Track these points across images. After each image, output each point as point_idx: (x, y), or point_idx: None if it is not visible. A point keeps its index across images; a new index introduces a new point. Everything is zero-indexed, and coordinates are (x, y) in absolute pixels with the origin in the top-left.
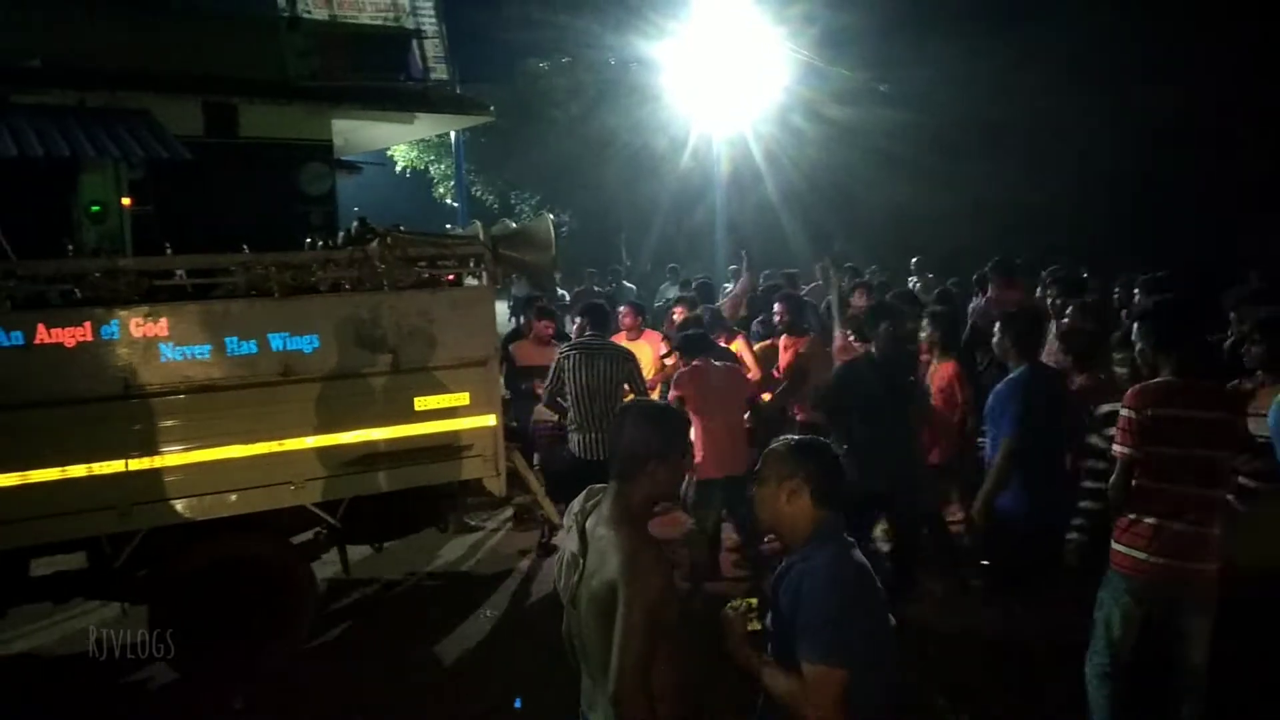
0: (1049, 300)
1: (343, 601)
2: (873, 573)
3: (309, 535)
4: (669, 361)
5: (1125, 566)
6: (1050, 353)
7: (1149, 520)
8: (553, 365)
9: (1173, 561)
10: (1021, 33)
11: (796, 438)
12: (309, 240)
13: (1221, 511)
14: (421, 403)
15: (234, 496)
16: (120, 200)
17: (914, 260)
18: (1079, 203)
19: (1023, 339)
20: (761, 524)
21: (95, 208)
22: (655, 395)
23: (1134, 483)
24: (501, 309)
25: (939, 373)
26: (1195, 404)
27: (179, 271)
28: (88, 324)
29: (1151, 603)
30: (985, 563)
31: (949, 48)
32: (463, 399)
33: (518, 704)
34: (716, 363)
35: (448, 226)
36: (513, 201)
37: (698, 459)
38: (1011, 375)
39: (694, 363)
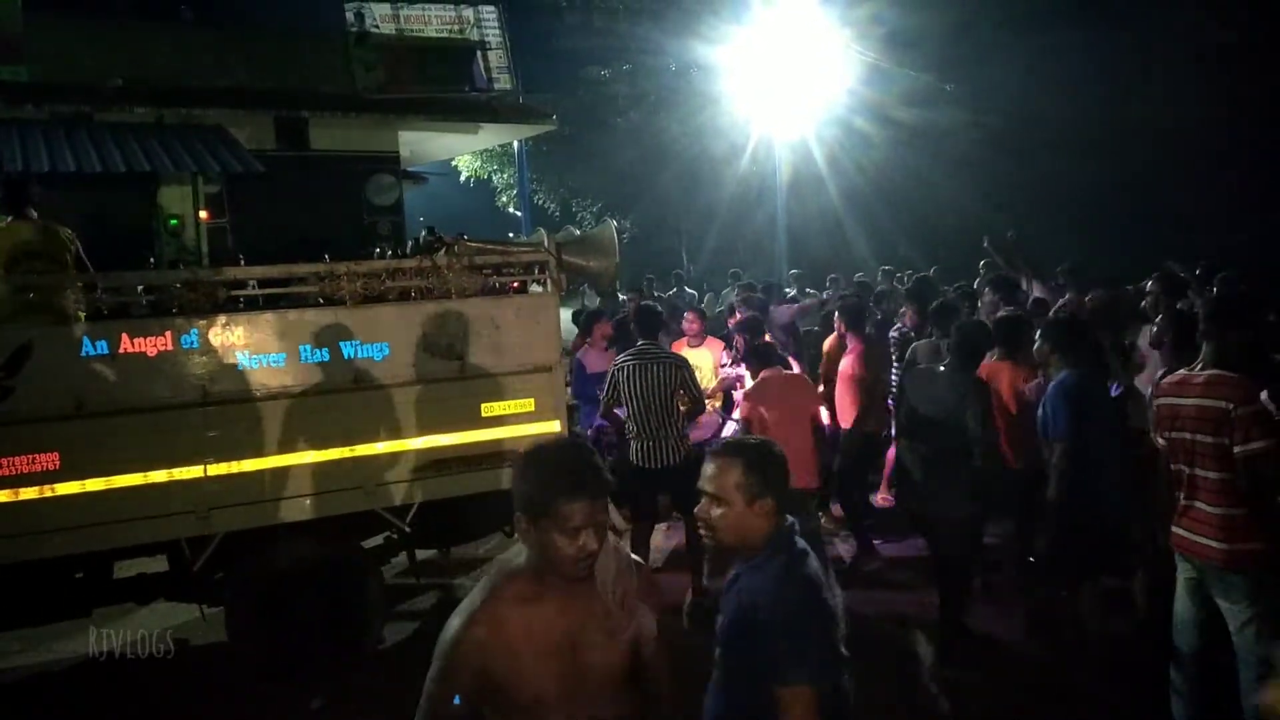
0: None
1: (411, 606)
2: (821, 581)
3: (379, 539)
4: (728, 370)
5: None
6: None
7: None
8: (609, 375)
9: (1184, 533)
10: (1089, 31)
11: (744, 442)
12: (378, 249)
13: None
14: (488, 409)
15: (307, 501)
16: (197, 213)
17: (982, 263)
18: (1146, 204)
19: (1070, 341)
20: (720, 544)
21: (174, 221)
22: (716, 403)
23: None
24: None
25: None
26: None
27: (253, 282)
28: (169, 333)
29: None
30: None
31: (1016, 47)
32: (528, 405)
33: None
34: (785, 372)
35: (510, 235)
36: (574, 209)
37: None
38: (1059, 378)
39: (762, 374)
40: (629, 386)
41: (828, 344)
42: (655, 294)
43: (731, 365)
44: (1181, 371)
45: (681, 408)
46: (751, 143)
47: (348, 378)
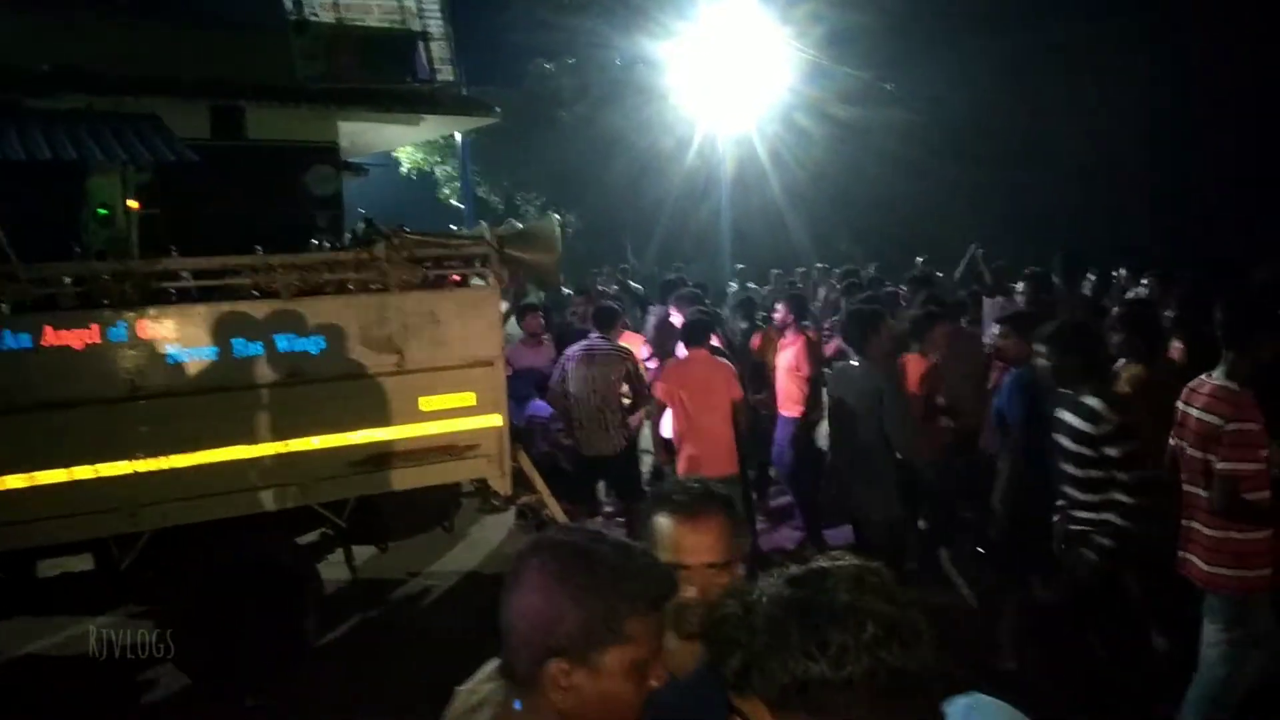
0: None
1: (348, 603)
2: None
3: (315, 536)
4: (650, 365)
5: None
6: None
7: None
8: (559, 364)
9: (1180, 551)
10: (1027, 34)
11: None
12: (315, 242)
13: (1202, 506)
14: (427, 403)
15: (240, 497)
16: (127, 203)
17: (919, 260)
18: (1082, 202)
19: (1024, 339)
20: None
21: (102, 210)
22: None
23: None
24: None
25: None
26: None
27: (186, 273)
28: (95, 326)
29: None
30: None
31: (955, 48)
32: (469, 399)
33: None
34: (710, 356)
35: (453, 228)
36: (518, 202)
37: (682, 455)
38: (1017, 372)
39: (688, 353)
40: (576, 376)
41: (756, 340)
42: (599, 288)
43: (650, 359)
44: (1201, 376)
45: (625, 400)
46: (697, 138)
47: (282, 372)
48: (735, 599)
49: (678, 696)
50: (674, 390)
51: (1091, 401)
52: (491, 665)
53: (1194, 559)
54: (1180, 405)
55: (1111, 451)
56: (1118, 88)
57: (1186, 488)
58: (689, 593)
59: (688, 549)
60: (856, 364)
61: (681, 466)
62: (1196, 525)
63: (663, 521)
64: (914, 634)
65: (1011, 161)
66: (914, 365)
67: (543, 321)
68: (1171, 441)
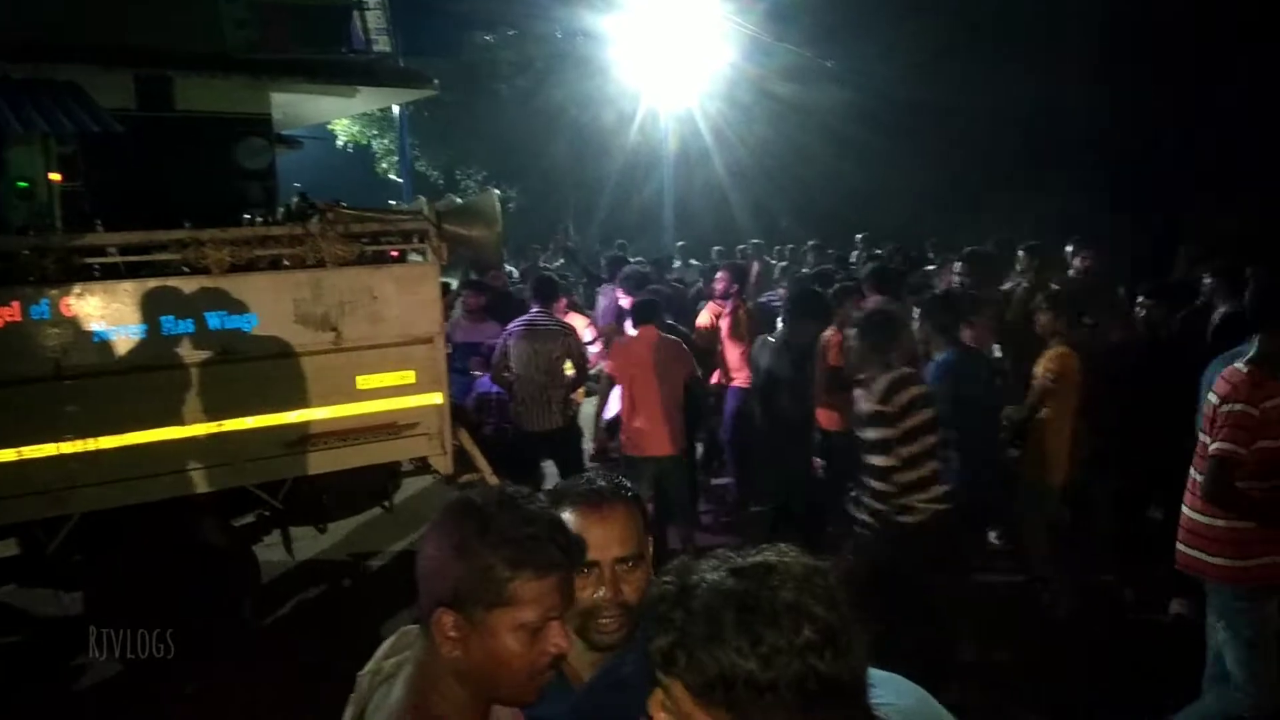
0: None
1: (286, 584)
2: None
3: (251, 517)
4: (593, 349)
5: None
6: None
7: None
8: (500, 340)
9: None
10: (963, 9)
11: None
12: (247, 216)
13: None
14: (365, 381)
15: (170, 479)
16: (49, 176)
17: (859, 236)
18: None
19: (944, 324)
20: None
21: (22, 184)
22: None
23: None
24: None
25: None
26: None
27: (111, 249)
28: (16, 304)
29: None
30: None
31: (893, 25)
32: (408, 377)
33: None
34: (662, 334)
35: (391, 203)
36: (458, 177)
37: (628, 434)
38: (939, 358)
39: (640, 330)
40: (517, 351)
41: (703, 319)
42: (542, 264)
43: (593, 342)
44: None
45: (568, 374)
46: (639, 113)
47: (214, 349)
48: (674, 578)
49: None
50: (624, 368)
51: (872, 385)
52: (388, 643)
53: (1181, 545)
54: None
55: (869, 434)
56: (1049, 61)
57: (1191, 473)
58: (600, 593)
59: (593, 543)
60: (773, 339)
61: (627, 445)
62: (1185, 509)
63: (566, 517)
64: (850, 642)
65: (949, 138)
66: (834, 339)
67: (476, 303)
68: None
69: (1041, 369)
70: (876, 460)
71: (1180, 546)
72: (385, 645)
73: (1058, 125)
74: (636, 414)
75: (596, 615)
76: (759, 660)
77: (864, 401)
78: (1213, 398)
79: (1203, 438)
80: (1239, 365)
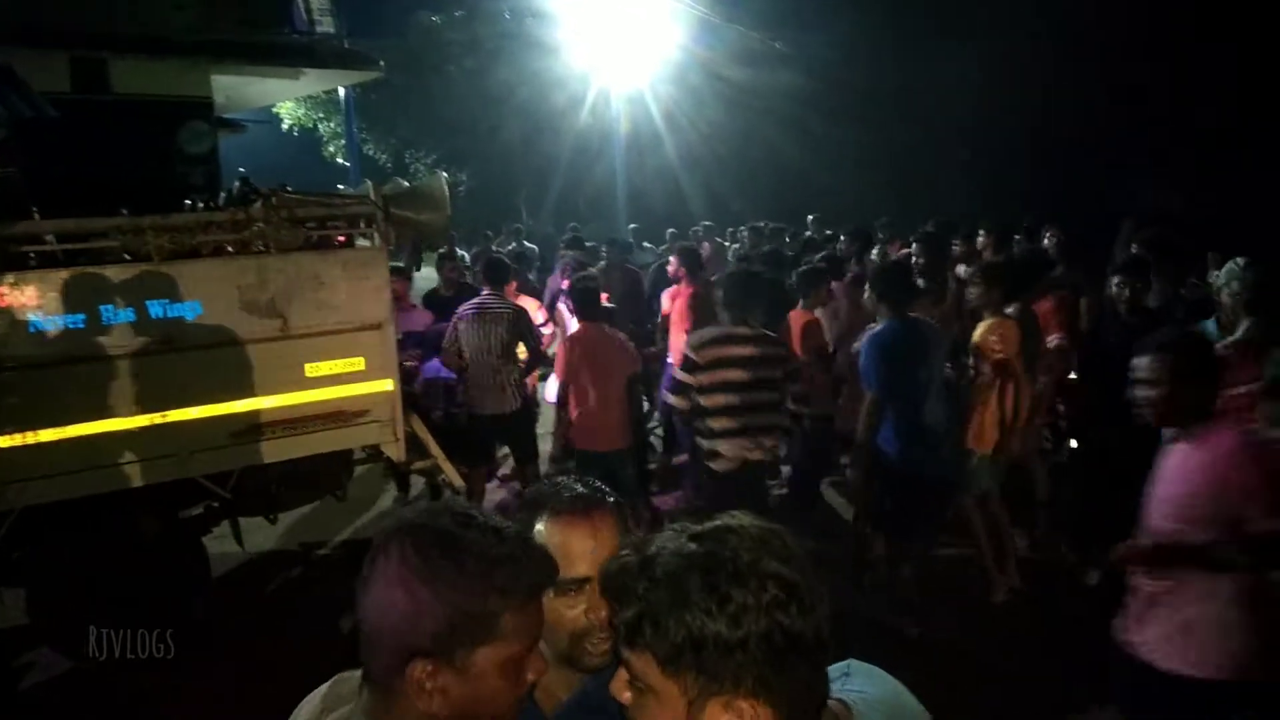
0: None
1: (237, 577)
2: None
3: (199, 509)
4: (545, 331)
5: None
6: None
7: None
8: (451, 323)
9: None
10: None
11: None
12: (189, 202)
13: None
14: (313, 369)
15: (114, 472)
16: None
17: (810, 218)
18: (964, 164)
19: (889, 293)
20: None
21: None
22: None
23: None
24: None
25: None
26: None
27: (48, 236)
28: None
29: None
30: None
31: (840, 12)
32: (357, 364)
33: None
34: (606, 329)
35: (340, 187)
36: (407, 160)
37: (577, 428)
38: (876, 329)
39: (582, 326)
40: (469, 334)
41: (668, 304)
42: (493, 249)
43: (545, 324)
44: None
45: (521, 357)
46: (590, 95)
47: (156, 339)
48: (631, 551)
49: None
50: (568, 365)
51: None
52: (321, 693)
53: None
54: None
55: (676, 375)
56: (997, 45)
57: None
58: (595, 615)
59: (586, 557)
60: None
61: (578, 439)
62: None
63: (549, 528)
64: (813, 599)
65: (895, 122)
66: (796, 319)
67: (404, 290)
68: None
69: (982, 338)
70: (702, 402)
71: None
72: (316, 698)
73: (1004, 108)
74: (584, 410)
75: (589, 636)
76: (727, 620)
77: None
78: None
79: None
80: (1219, 347)
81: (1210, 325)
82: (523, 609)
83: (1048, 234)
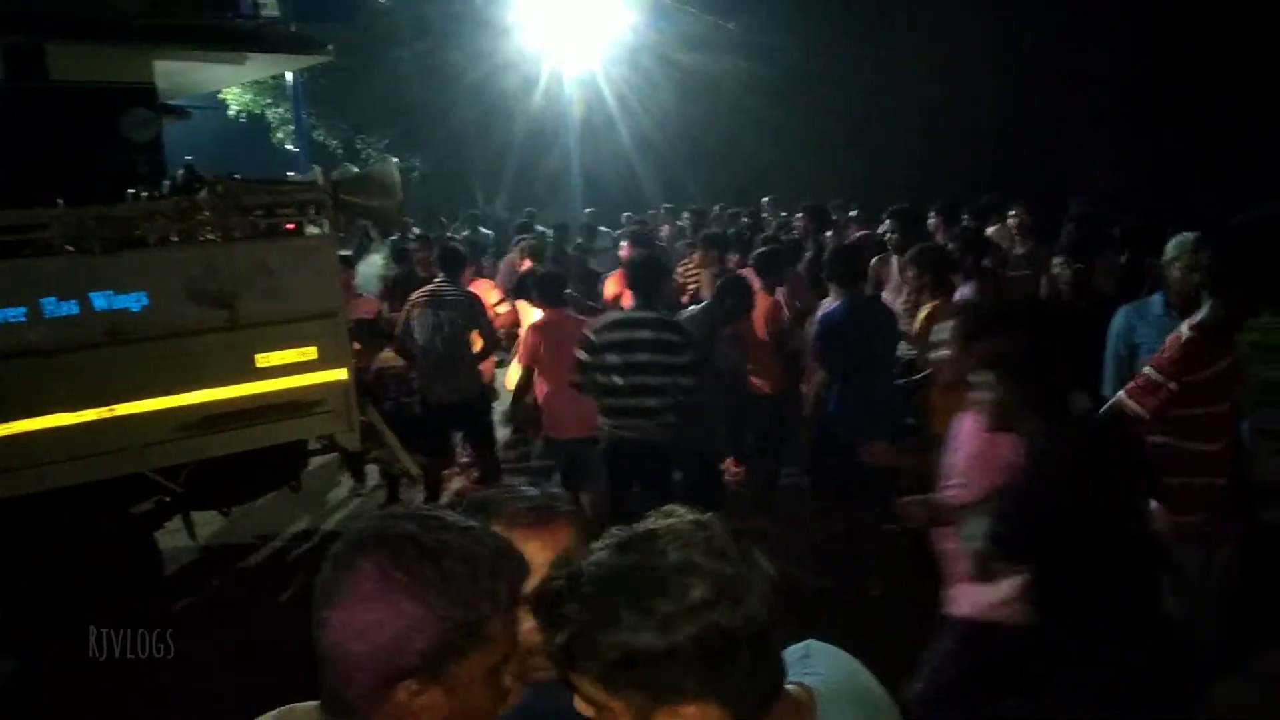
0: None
1: (192, 572)
2: None
3: (150, 504)
4: (502, 310)
5: None
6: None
7: None
8: (403, 311)
9: None
10: None
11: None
12: (132, 191)
13: None
14: (264, 359)
15: (59, 468)
16: None
17: (764, 199)
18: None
19: (840, 271)
20: None
21: None
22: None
23: None
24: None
25: None
26: None
27: None
28: None
29: None
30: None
31: None
32: (309, 353)
33: None
34: (572, 315)
35: (289, 174)
36: (359, 146)
37: (548, 417)
38: (826, 310)
39: (548, 313)
40: (421, 322)
41: (611, 289)
42: (448, 235)
43: (500, 303)
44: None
45: (475, 345)
46: (543, 78)
47: (101, 331)
48: (561, 572)
49: None
50: (533, 352)
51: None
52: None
53: None
54: None
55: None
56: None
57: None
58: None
59: (539, 569)
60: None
61: (545, 424)
62: None
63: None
64: (745, 589)
65: (852, 104)
66: (759, 302)
67: (354, 279)
68: None
69: (926, 321)
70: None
71: None
72: None
73: (963, 88)
74: (549, 396)
75: (539, 652)
76: (654, 631)
77: None
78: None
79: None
80: (1183, 329)
81: (1157, 300)
82: (509, 610)
83: (1011, 213)
